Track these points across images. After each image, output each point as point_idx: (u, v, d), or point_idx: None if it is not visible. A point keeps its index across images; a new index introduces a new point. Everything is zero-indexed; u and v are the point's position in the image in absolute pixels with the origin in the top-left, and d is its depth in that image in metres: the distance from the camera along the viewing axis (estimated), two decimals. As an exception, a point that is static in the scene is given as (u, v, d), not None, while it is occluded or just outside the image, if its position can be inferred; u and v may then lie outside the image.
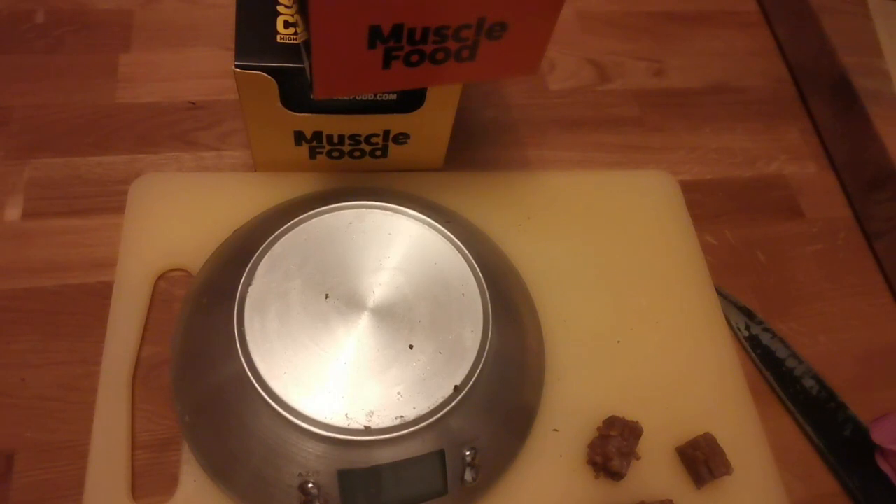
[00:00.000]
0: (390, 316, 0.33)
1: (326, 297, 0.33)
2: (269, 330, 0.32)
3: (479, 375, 0.32)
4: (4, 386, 0.35)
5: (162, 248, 0.38)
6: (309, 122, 0.38)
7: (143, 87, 0.46)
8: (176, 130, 0.44)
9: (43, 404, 0.35)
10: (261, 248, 0.34)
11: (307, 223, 0.35)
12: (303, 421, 0.30)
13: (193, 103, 0.46)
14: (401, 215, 0.36)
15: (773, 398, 0.41)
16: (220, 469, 0.32)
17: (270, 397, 0.30)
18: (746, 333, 0.43)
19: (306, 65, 0.33)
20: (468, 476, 0.32)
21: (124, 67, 0.47)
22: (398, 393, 0.31)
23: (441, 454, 0.31)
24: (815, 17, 0.53)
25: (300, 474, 0.30)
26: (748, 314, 0.43)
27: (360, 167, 0.42)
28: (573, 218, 0.44)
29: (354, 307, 0.33)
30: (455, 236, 0.36)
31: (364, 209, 0.36)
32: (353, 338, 0.32)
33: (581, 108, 0.50)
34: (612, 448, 0.35)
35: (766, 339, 0.43)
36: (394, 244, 0.35)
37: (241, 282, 0.33)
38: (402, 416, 0.30)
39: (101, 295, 0.38)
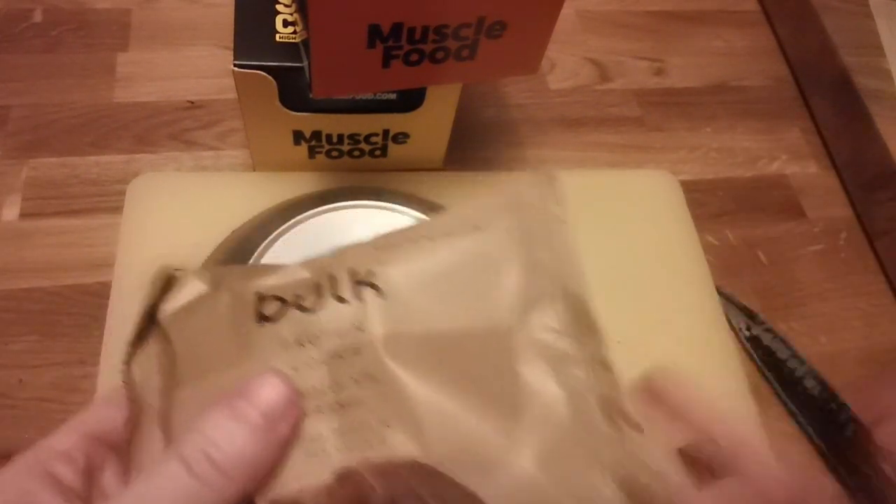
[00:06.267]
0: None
1: (326, 297, 0.33)
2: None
3: (479, 376, 0.32)
4: (3, 387, 0.35)
5: (160, 248, 0.38)
6: (308, 122, 0.37)
7: (141, 86, 0.46)
8: (174, 130, 0.44)
9: (41, 405, 0.34)
10: (260, 249, 0.34)
11: (306, 223, 0.35)
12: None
13: (192, 103, 0.46)
14: (400, 215, 0.36)
15: (775, 399, 0.41)
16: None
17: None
18: (748, 334, 0.43)
19: (305, 64, 0.33)
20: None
21: (122, 67, 0.46)
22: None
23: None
24: (815, 16, 0.53)
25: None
26: (749, 314, 0.43)
27: (360, 167, 0.42)
28: (573, 217, 0.43)
29: (354, 308, 0.33)
30: (455, 236, 0.36)
31: (364, 209, 0.36)
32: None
33: (581, 108, 0.50)
34: (612, 449, 0.35)
35: (767, 339, 0.42)
36: (393, 244, 0.35)
37: (240, 282, 0.33)
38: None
39: (99, 295, 0.37)
